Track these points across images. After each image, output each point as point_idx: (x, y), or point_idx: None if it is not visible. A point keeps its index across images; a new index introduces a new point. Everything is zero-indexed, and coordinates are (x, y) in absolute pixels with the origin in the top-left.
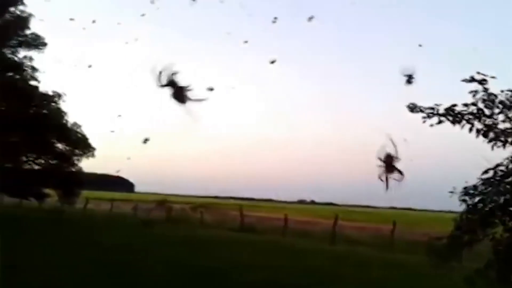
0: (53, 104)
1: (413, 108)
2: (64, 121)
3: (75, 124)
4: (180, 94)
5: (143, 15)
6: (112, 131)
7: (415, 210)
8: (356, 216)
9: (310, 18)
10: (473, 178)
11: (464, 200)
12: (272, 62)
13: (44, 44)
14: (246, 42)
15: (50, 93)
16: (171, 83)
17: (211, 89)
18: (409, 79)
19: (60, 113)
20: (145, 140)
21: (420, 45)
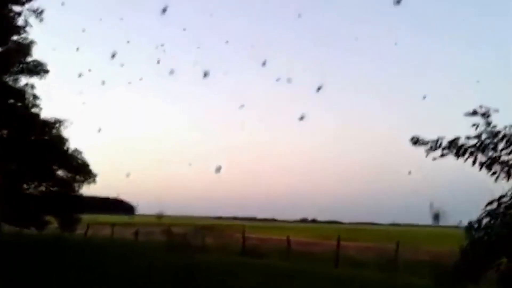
0: (54, 131)
1: (416, 141)
2: (65, 148)
3: (76, 150)
4: None
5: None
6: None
7: (418, 226)
8: (359, 235)
9: None
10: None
11: (469, 234)
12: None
13: (46, 71)
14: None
15: (51, 119)
16: None
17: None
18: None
19: (61, 140)
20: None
21: (424, 97)
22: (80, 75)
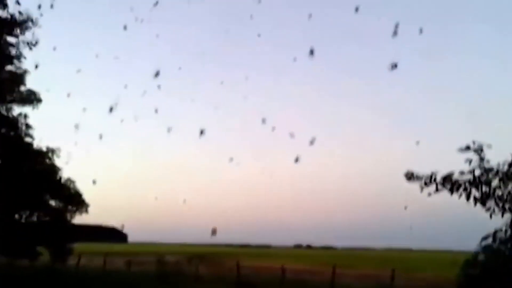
0: (47, 160)
1: (410, 176)
2: (58, 177)
3: (68, 179)
4: None
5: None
6: (94, 182)
7: (412, 250)
8: (354, 261)
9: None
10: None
11: (465, 270)
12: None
13: (39, 101)
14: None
15: (44, 149)
16: None
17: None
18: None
19: (54, 169)
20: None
21: (417, 142)
22: (77, 126)
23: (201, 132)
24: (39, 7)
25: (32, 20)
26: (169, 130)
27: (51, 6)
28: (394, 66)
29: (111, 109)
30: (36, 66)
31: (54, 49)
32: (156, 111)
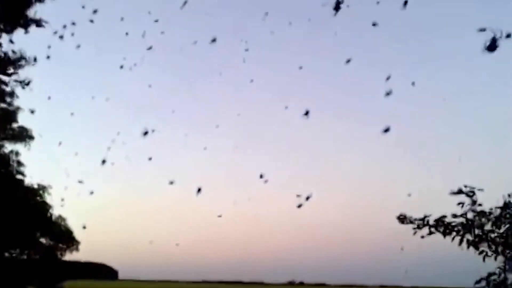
0: (38, 198)
1: (403, 219)
2: (49, 215)
3: (59, 217)
4: None
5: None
6: (84, 227)
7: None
8: None
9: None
10: None
11: None
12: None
13: (31, 138)
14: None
15: (35, 185)
16: None
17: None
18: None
19: (44, 207)
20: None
21: (409, 194)
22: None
23: (199, 190)
24: (35, 59)
25: (25, 59)
26: (170, 182)
27: (48, 57)
28: (387, 130)
29: (103, 162)
30: (32, 112)
31: (49, 98)
32: (150, 158)
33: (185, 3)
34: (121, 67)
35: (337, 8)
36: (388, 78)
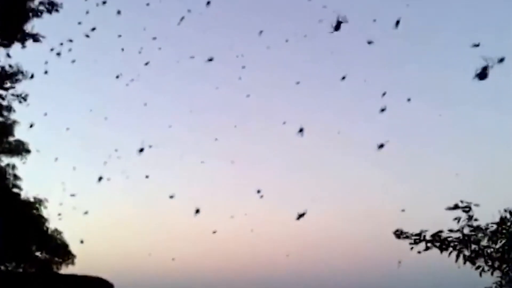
0: (34, 211)
1: (399, 234)
2: (45, 228)
3: (55, 230)
4: None
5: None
6: (82, 241)
7: None
8: None
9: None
10: None
11: None
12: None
13: (28, 151)
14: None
15: (32, 199)
16: None
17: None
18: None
19: (41, 220)
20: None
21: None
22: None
23: (197, 211)
24: (32, 76)
25: (22, 73)
26: (170, 196)
27: (45, 72)
28: (381, 146)
29: (100, 179)
30: (31, 125)
31: (45, 114)
32: (147, 176)
33: (182, 19)
34: (117, 76)
35: (337, 27)
36: (383, 94)
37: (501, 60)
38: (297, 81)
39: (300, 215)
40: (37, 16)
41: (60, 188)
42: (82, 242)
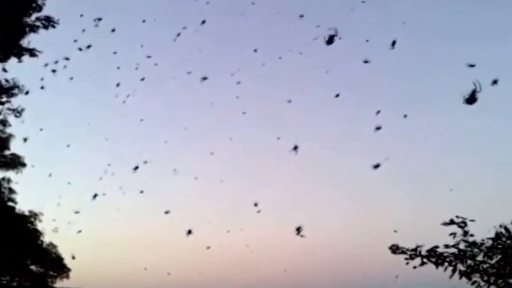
0: (29, 225)
1: (395, 249)
2: (40, 242)
3: (50, 244)
4: None
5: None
6: (73, 257)
7: None
8: None
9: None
10: None
11: None
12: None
13: (23, 165)
14: None
15: (27, 213)
16: None
17: None
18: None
19: (36, 234)
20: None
21: (395, 231)
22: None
23: (189, 232)
24: (27, 93)
25: (18, 88)
26: (166, 212)
27: (42, 87)
28: (377, 166)
29: (94, 196)
30: (25, 140)
31: (41, 129)
32: (141, 191)
33: (178, 35)
34: (116, 95)
35: (330, 41)
36: (378, 113)
37: (495, 82)
38: (288, 100)
39: (298, 229)
40: (34, 31)
41: (55, 202)
42: (73, 258)
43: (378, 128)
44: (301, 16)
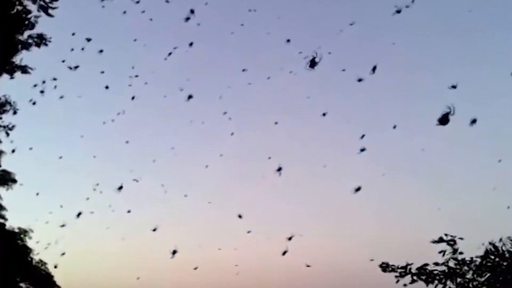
0: (19, 241)
1: (385, 267)
2: (29, 259)
3: (40, 261)
4: None
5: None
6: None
7: None
8: None
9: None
10: None
11: None
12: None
13: (14, 181)
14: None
15: (16, 229)
16: None
17: None
18: None
19: (25, 251)
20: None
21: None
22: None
23: (174, 252)
24: (15, 112)
25: (10, 104)
26: (153, 229)
27: (34, 103)
28: (358, 189)
29: (79, 214)
30: (13, 151)
31: (31, 148)
32: (129, 211)
33: (169, 54)
34: (111, 119)
35: (312, 65)
36: (362, 137)
37: (473, 121)
38: (275, 121)
39: (284, 252)
40: (26, 48)
41: (43, 220)
42: (56, 267)
43: (362, 150)
44: (288, 40)
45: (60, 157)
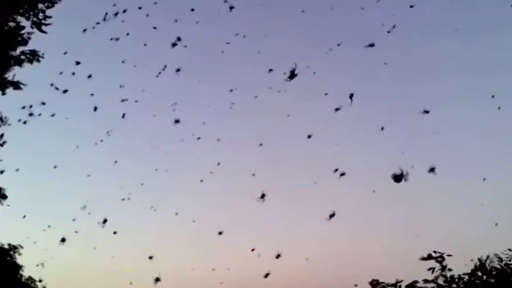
0: (8, 258)
1: (375, 284)
2: (19, 276)
3: (29, 278)
4: None
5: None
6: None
7: None
8: None
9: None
10: None
11: None
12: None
13: (5, 197)
14: None
15: (5, 246)
16: None
17: None
18: None
19: (15, 268)
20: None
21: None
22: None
23: (157, 280)
24: (2, 136)
25: (2, 119)
26: (150, 257)
27: (24, 122)
28: (332, 215)
29: (62, 240)
30: (2, 172)
31: (17, 170)
32: (115, 232)
33: (160, 72)
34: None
35: (292, 76)
36: (335, 171)
37: (432, 169)
38: (260, 143)
39: (266, 275)
40: (19, 64)
41: (32, 239)
42: (41, 281)
43: (342, 174)
44: (271, 70)
45: (55, 166)
